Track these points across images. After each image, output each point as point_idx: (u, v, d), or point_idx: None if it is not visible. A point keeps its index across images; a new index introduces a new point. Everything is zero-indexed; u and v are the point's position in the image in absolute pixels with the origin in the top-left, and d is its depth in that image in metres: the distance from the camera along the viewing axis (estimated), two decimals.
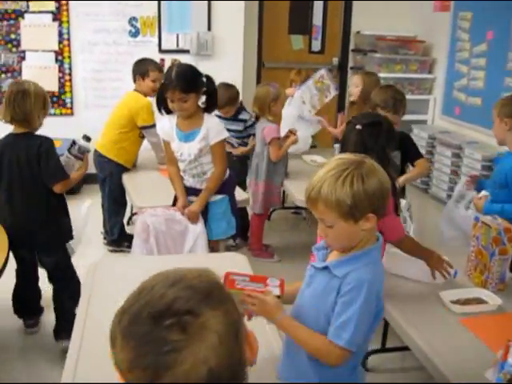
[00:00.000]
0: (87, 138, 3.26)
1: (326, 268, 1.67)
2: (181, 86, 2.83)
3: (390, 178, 1.67)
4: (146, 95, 4.15)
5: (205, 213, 3.09)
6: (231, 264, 2.52)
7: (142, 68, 4.19)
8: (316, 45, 7.05)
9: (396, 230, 2.33)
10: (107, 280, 2.35)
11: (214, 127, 3.00)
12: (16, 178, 2.88)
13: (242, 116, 4.43)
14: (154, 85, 4.08)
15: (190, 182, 3.12)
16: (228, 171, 3.17)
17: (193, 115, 2.96)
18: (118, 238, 4.26)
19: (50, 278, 3.05)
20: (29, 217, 2.90)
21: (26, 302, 3.16)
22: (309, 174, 4.03)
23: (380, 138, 2.36)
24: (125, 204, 4.34)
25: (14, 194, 2.90)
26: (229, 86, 4.35)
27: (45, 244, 2.96)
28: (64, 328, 2.79)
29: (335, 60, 7.04)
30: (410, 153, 3.44)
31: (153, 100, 3.53)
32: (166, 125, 3.05)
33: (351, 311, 1.57)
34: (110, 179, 4.21)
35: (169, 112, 3.00)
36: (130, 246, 3.44)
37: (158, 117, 3.31)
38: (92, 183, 4.72)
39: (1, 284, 2.65)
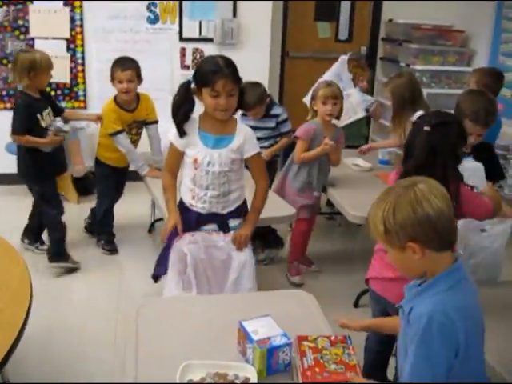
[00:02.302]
0: (65, 121, 3.77)
1: None
2: (233, 75, 2.40)
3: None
4: (120, 100, 3.86)
5: None
6: (297, 304, 2.12)
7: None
8: (343, 33, 6.59)
9: (481, 206, 2.36)
10: (152, 325, 1.96)
11: (250, 138, 2.56)
12: None
13: (274, 111, 4.00)
14: (120, 86, 3.77)
15: (211, 204, 2.56)
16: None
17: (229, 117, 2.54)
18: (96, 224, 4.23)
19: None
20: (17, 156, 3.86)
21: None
22: (350, 179, 3.71)
23: (449, 138, 2.22)
24: (108, 189, 4.13)
25: None
26: (255, 85, 3.90)
27: (23, 177, 3.86)
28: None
29: (363, 49, 6.59)
30: (491, 171, 2.98)
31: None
32: (188, 131, 2.50)
33: (410, 354, 1.51)
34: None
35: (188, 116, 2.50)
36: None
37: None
38: None
39: None
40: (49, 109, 3.69)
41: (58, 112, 3.86)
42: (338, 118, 3.58)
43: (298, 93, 6.18)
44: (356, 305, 3.48)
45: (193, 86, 2.46)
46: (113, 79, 3.80)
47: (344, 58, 4.73)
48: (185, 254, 2.52)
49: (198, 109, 2.53)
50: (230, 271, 2.55)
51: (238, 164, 2.55)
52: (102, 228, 4.17)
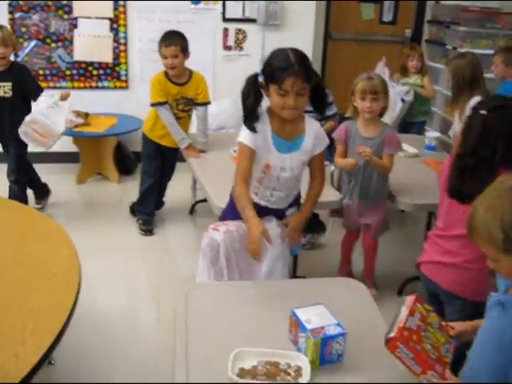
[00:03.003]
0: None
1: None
2: (304, 73, 2.16)
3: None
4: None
5: None
6: (346, 292, 2.08)
7: None
8: (387, 15, 6.44)
9: None
10: (201, 310, 1.95)
11: (319, 133, 2.38)
12: None
13: None
14: (166, 61, 3.76)
15: (275, 203, 2.46)
16: None
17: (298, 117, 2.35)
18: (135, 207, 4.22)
19: None
20: None
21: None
22: (396, 165, 3.63)
23: (503, 122, 2.12)
24: (150, 167, 4.08)
25: None
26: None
27: None
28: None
29: (408, 32, 6.43)
30: None
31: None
32: (259, 130, 2.29)
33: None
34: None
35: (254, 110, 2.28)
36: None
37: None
38: None
39: None
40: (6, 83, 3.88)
41: (31, 93, 3.96)
42: (381, 115, 3.17)
43: (340, 75, 6.11)
44: (400, 292, 3.41)
45: (261, 79, 2.26)
46: (160, 55, 3.79)
47: (381, 63, 4.67)
48: (218, 244, 2.41)
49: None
50: (263, 263, 2.41)
51: (306, 163, 2.44)
52: (140, 207, 4.16)
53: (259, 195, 2.43)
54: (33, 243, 2.27)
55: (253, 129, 2.27)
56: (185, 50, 3.76)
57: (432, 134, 4.20)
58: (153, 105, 3.83)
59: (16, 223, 2.46)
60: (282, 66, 2.16)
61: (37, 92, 3.92)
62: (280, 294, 2.05)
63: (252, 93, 2.25)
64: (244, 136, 2.30)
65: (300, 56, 2.20)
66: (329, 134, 4.02)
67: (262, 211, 2.37)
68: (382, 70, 4.60)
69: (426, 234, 3.39)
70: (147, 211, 4.13)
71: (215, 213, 2.96)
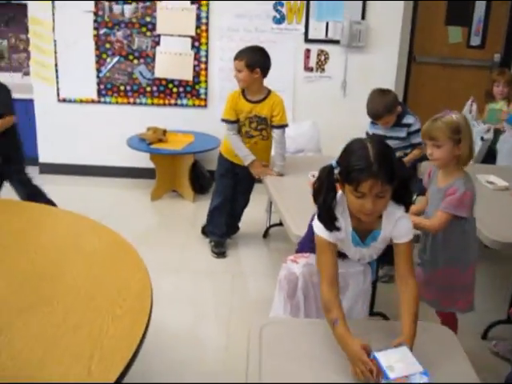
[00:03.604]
0: None
1: None
2: (385, 175, 1.84)
3: None
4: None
5: None
6: (433, 339, 1.90)
7: None
8: (475, 39, 6.18)
9: None
10: (274, 347, 1.83)
11: (400, 225, 2.01)
12: None
13: (406, 120, 3.71)
14: (236, 74, 3.73)
15: None
16: None
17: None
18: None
19: None
20: None
21: None
22: (484, 198, 3.39)
23: None
24: (220, 185, 4.02)
25: None
26: (384, 92, 3.61)
27: None
28: None
29: (497, 56, 6.14)
30: None
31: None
32: (341, 225, 2.02)
33: None
34: None
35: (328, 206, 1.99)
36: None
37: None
38: None
39: None
40: None
41: None
42: (464, 163, 2.55)
43: (423, 100, 5.91)
44: (484, 337, 3.17)
45: (336, 172, 1.98)
46: None
47: (469, 102, 4.48)
48: (296, 277, 2.28)
49: None
50: (344, 299, 2.22)
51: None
52: (210, 228, 4.08)
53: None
54: (103, 263, 2.20)
55: (333, 228, 1.99)
56: (251, 66, 3.64)
57: None
58: (222, 120, 3.82)
59: (86, 240, 2.41)
60: (360, 167, 1.85)
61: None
62: (360, 334, 1.90)
63: (327, 187, 1.97)
64: (323, 230, 2.01)
65: (382, 153, 1.88)
66: (414, 163, 3.87)
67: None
68: (469, 108, 4.42)
69: None
70: (218, 233, 4.04)
71: (291, 239, 2.84)
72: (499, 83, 4.48)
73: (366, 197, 1.86)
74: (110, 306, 1.88)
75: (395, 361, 1.65)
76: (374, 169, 1.82)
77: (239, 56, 3.69)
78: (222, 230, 4.05)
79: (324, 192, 1.97)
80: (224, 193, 3.98)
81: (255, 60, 3.66)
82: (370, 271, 2.31)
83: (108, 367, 1.59)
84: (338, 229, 1.98)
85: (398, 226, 2.01)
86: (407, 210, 2.05)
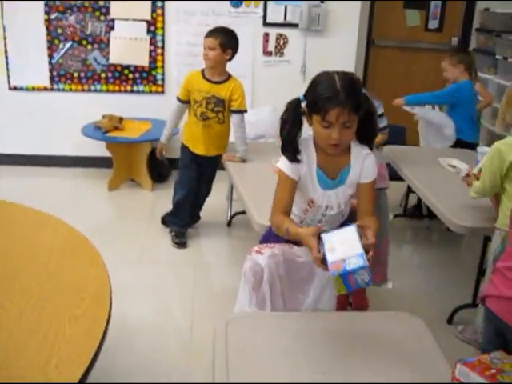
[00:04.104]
0: None
1: None
2: (352, 103, 1.87)
3: None
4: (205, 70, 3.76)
5: None
6: (402, 329, 1.86)
7: None
8: (433, 22, 6.18)
9: None
10: (241, 343, 1.75)
11: (367, 165, 2.07)
12: None
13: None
14: (203, 51, 3.68)
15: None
16: None
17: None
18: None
19: None
20: None
21: None
22: (447, 182, 3.38)
23: None
24: (184, 177, 3.91)
25: None
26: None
27: None
28: None
29: (454, 40, 6.18)
30: None
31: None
32: (303, 161, 2.03)
33: None
34: None
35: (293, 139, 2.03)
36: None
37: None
38: None
39: None
40: None
41: None
42: None
43: (382, 83, 5.88)
44: (450, 321, 3.17)
45: (303, 105, 2.01)
46: None
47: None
48: (261, 269, 2.18)
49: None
50: (310, 290, 2.21)
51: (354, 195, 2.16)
52: (172, 219, 3.98)
53: (304, 223, 2.18)
54: (59, 261, 2.08)
55: (294, 159, 2.02)
56: (224, 46, 3.61)
57: (484, 149, 3.94)
58: (176, 98, 3.84)
59: (41, 237, 2.28)
60: (327, 95, 1.87)
61: None
62: (329, 327, 1.84)
63: (292, 120, 2.01)
64: (285, 163, 2.05)
65: (348, 83, 1.90)
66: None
67: None
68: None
69: (479, 261, 3.18)
70: (180, 223, 3.95)
71: (255, 228, 2.77)
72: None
73: (333, 126, 1.90)
74: (67, 306, 1.77)
75: (338, 242, 1.65)
76: (341, 97, 1.86)
77: (214, 34, 3.62)
78: (184, 220, 3.96)
79: (290, 124, 2.01)
80: (189, 184, 3.87)
81: (229, 40, 3.63)
82: None
83: (66, 372, 1.49)
84: (298, 161, 2.01)
85: (365, 164, 2.07)
86: (371, 146, 2.11)
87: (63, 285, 1.91)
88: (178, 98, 3.80)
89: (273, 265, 2.17)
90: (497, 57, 5.51)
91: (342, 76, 1.92)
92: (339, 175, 2.07)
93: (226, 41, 3.60)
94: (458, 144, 4.29)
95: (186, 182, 3.87)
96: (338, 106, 1.86)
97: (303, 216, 2.17)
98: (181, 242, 3.90)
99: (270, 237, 2.26)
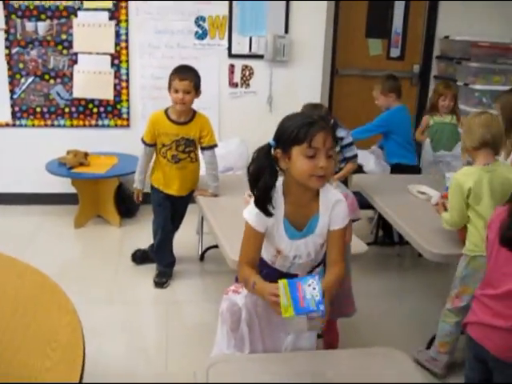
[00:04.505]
0: None
1: None
2: (332, 130, 1.90)
3: None
4: (171, 112, 3.60)
5: None
6: (387, 366, 1.81)
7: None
8: (395, 50, 6.28)
9: None
10: None
11: (338, 211, 2.00)
12: None
13: (338, 133, 3.60)
14: (176, 95, 3.49)
15: (295, 271, 2.12)
16: None
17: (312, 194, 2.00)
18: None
19: None
20: None
21: None
22: (418, 209, 3.38)
23: None
24: (159, 219, 3.77)
25: None
26: (316, 107, 3.52)
27: None
28: None
29: (416, 68, 6.29)
30: None
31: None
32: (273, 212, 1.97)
33: None
34: None
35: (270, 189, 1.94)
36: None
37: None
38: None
39: None
40: None
41: None
42: None
43: (346, 112, 5.92)
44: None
45: (274, 149, 1.94)
46: (170, 88, 3.52)
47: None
48: (239, 308, 2.13)
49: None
50: (287, 336, 2.11)
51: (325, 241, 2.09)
52: (157, 257, 3.85)
53: (277, 265, 2.11)
54: (27, 309, 1.97)
55: (268, 214, 1.94)
56: (197, 88, 3.52)
57: (451, 175, 3.97)
58: (141, 140, 3.69)
59: (6, 283, 2.16)
60: (308, 121, 1.86)
61: None
62: (314, 370, 1.79)
63: (267, 169, 1.91)
64: (250, 214, 1.98)
65: (321, 113, 2.00)
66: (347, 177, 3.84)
67: (282, 275, 2.05)
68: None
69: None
70: (163, 262, 3.81)
71: (228, 264, 2.71)
72: (445, 97, 4.39)
73: (319, 153, 1.84)
74: (37, 358, 1.67)
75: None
76: (322, 123, 1.86)
77: (187, 76, 3.48)
78: (168, 259, 3.82)
79: (267, 173, 1.92)
80: (165, 226, 3.75)
81: (199, 80, 3.54)
82: None
83: None
84: (271, 214, 1.94)
85: (334, 212, 2.00)
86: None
87: (32, 334, 1.81)
88: (144, 142, 3.66)
89: (250, 304, 2.11)
90: (458, 83, 5.60)
91: (310, 110, 1.94)
92: (307, 224, 2.01)
93: (198, 81, 3.52)
94: (399, 168, 4.41)
95: (162, 224, 3.74)
96: (323, 130, 1.85)
97: (274, 260, 2.10)
98: (160, 281, 3.75)
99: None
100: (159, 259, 3.82)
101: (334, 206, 2.00)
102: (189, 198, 3.77)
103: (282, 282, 1.65)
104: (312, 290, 1.64)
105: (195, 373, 1.77)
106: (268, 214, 1.94)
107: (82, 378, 1.62)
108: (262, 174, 1.91)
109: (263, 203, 1.93)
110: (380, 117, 4.48)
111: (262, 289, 1.87)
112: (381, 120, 4.45)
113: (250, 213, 1.98)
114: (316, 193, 1.99)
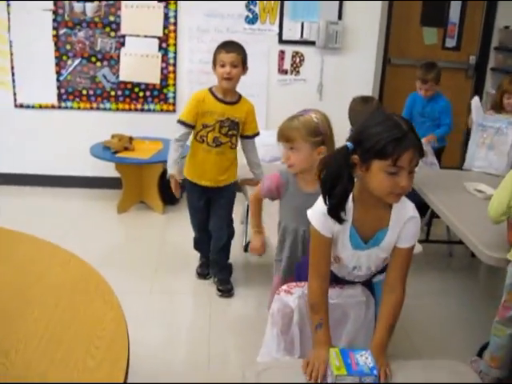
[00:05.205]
0: None
1: None
2: (419, 145, 1.68)
3: None
4: (217, 90, 3.30)
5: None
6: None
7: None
8: (450, 41, 6.03)
9: None
10: None
11: (411, 229, 1.83)
12: None
13: None
14: (222, 70, 3.18)
15: (353, 279, 2.06)
16: None
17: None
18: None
19: None
20: None
21: None
22: (475, 208, 3.19)
23: None
24: (194, 220, 3.57)
25: None
26: (366, 101, 3.33)
27: None
28: None
29: (472, 58, 6.02)
30: None
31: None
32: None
33: None
34: None
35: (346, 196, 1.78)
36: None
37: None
38: None
39: None
40: None
41: None
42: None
43: (398, 103, 5.71)
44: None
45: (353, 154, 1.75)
46: (215, 63, 3.24)
47: (476, 99, 4.06)
48: (291, 310, 2.01)
49: None
50: (343, 332, 2.04)
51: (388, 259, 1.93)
52: (197, 249, 3.74)
53: (332, 269, 1.97)
54: (70, 300, 1.87)
55: (341, 221, 1.78)
56: (245, 63, 3.26)
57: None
58: (178, 121, 3.33)
59: (49, 272, 2.07)
60: (397, 136, 1.64)
61: None
62: None
63: (345, 174, 1.72)
64: (319, 221, 1.82)
65: (409, 122, 1.69)
66: None
67: (337, 279, 1.98)
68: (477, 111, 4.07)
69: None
70: (201, 256, 3.71)
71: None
72: (511, 95, 3.92)
73: (401, 172, 1.65)
74: (80, 355, 1.57)
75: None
76: (412, 138, 1.65)
77: (235, 49, 3.22)
78: (205, 252, 3.65)
79: (346, 179, 1.72)
80: (200, 228, 3.57)
81: (246, 56, 3.28)
82: (373, 302, 2.06)
83: None
84: (343, 221, 1.78)
85: (405, 228, 1.83)
86: None
87: (75, 329, 1.71)
88: (184, 122, 3.30)
89: (303, 306, 1.98)
90: None
91: (399, 116, 1.72)
92: (374, 236, 1.85)
93: (245, 56, 3.27)
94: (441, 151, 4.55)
95: (197, 224, 3.58)
96: (411, 147, 1.64)
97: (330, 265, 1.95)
98: (202, 272, 3.67)
99: (304, 271, 2.05)
100: (200, 251, 3.71)
101: (406, 222, 1.82)
102: (227, 193, 3.47)
103: (334, 351, 1.64)
104: (365, 359, 1.61)
105: (244, 375, 1.65)
106: (341, 221, 1.78)
107: (126, 378, 1.52)
108: (340, 180, 1.72)
109: (337, 211, 1.76)
110: (447, 109, 4.50)
111: (321, 346, 1.79)
112: (449, 109, 4.48)
113: (317, 219, 1.82)
114: (389, 205, 1.81)
